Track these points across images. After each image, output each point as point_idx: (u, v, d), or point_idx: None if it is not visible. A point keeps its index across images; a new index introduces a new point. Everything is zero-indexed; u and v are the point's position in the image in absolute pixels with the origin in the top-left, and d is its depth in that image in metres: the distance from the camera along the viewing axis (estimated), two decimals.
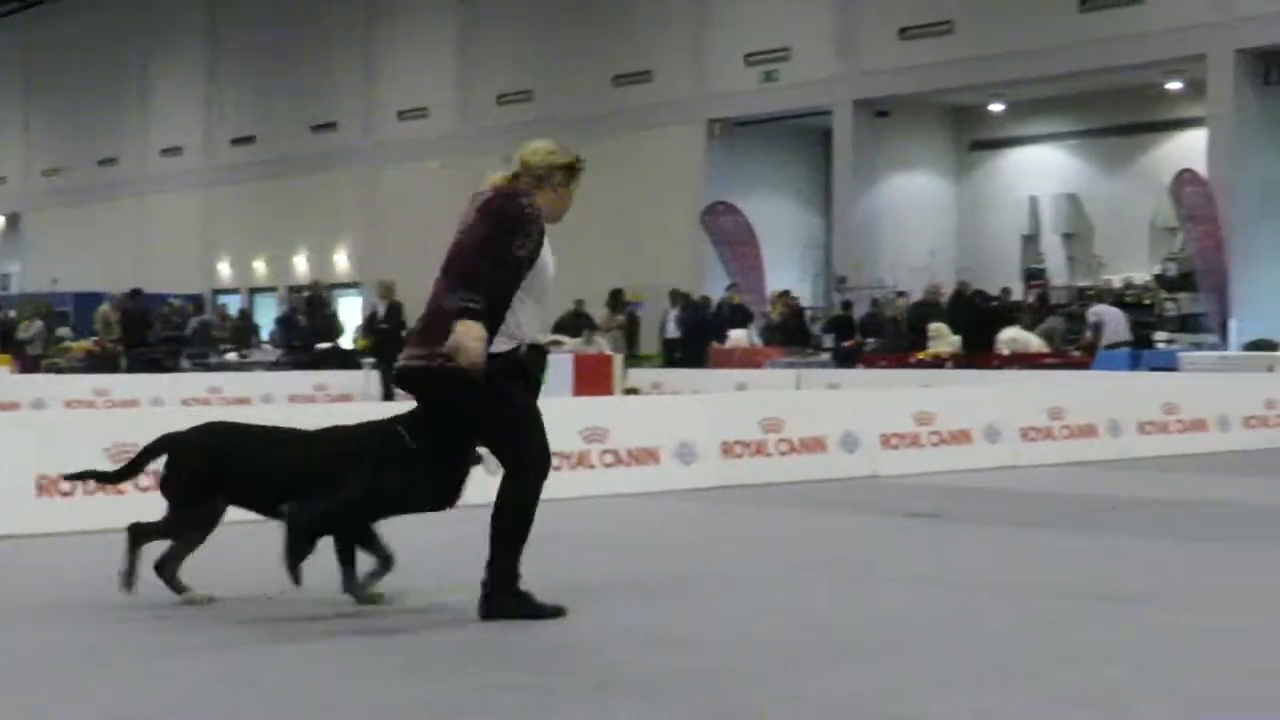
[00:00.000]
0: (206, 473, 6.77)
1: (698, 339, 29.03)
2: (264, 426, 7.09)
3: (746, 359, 26.70)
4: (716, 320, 30.10)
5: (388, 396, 21.48)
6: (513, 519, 6.48)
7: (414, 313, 32.71)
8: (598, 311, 29.56)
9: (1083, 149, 34.05)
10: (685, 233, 35.12)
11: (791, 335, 28.87)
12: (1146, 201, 31.82)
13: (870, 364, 25.97)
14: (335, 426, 6.95)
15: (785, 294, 30.45)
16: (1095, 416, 15.47)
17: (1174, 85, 31.55)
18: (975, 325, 26.43)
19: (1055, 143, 34.45)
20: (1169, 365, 22.53)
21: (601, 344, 24.62)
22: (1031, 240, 34.42)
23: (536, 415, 6.57)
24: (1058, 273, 33.37)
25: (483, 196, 6.63)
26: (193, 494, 6.79)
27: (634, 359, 27.35)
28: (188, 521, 6.82)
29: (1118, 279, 30.57)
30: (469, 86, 41.14)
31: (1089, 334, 25.34)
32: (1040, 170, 34.54)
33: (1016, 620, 6.63)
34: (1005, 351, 24.65)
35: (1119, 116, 33.00)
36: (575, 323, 27.06)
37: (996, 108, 34.69)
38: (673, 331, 30.16)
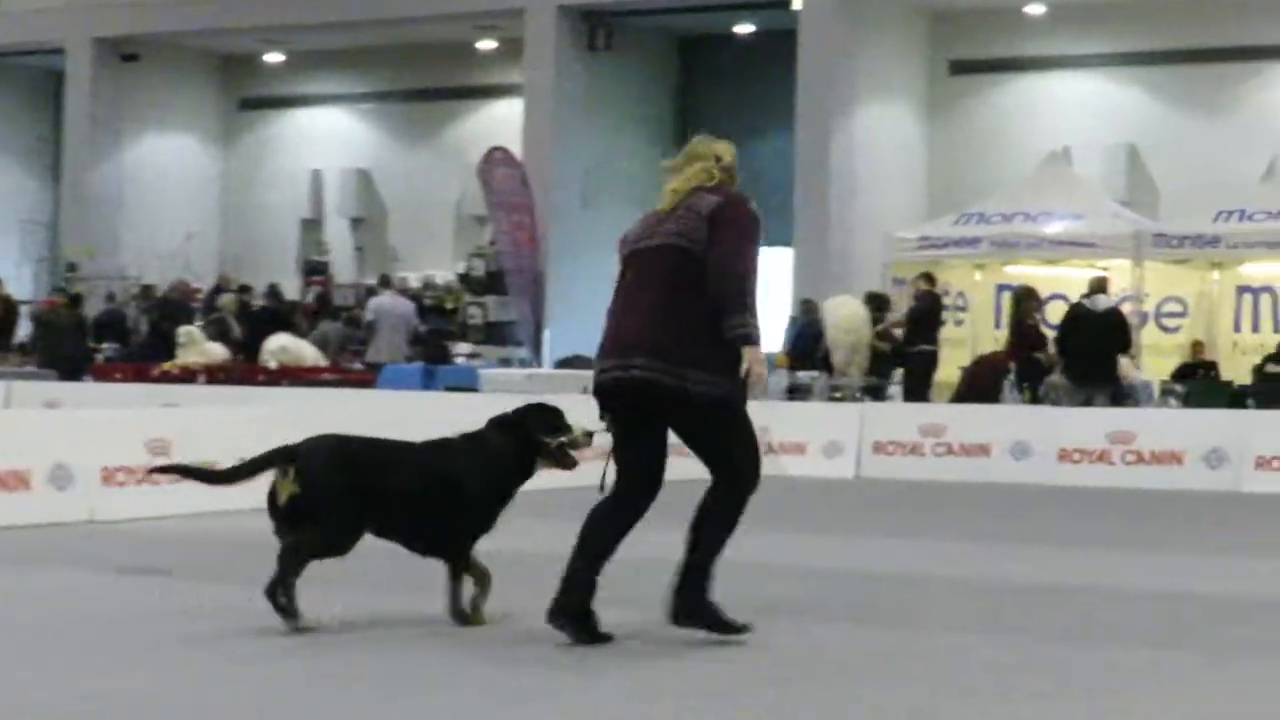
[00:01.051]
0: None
1: None
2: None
3: None
4: None
5: None
6: (723, 529, 7.88)
7: None
8: None
9: (378, 115, 34.74)
10: None
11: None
12: (453, 183, 32.84)
13: (104, 376, 25.63)
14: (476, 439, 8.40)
15: None
16: None
17: (487, 45, 32.70)
18: (243, 330, 26.55)
19: (344, 105, 35.01)
20: (470, 384, 23.25)
21: None
22: (313, 225, 34.82)
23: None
24: (344, 267, 33.87)
25: (723, 203, 7.66)
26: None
27: None
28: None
29: (415, 277, 31.37)
30: None
31: (363, 333, 26.01)
32: (326, 138, 35.00)
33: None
34: (273, 364, 24.81)
35: (422, 79, 33.90)
36: None
37: (274, 59, 34.92)
38: None
